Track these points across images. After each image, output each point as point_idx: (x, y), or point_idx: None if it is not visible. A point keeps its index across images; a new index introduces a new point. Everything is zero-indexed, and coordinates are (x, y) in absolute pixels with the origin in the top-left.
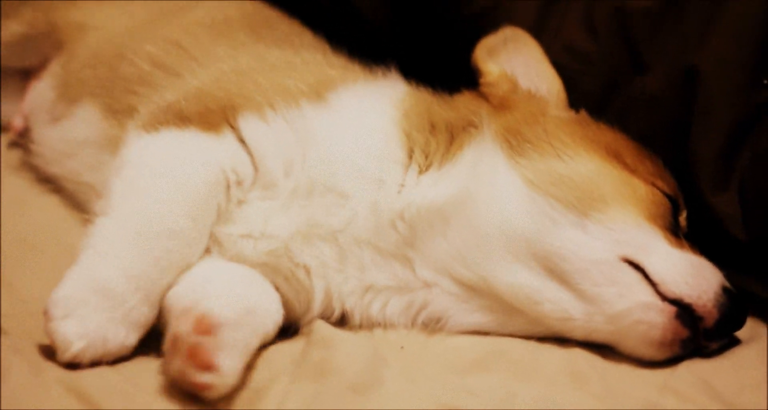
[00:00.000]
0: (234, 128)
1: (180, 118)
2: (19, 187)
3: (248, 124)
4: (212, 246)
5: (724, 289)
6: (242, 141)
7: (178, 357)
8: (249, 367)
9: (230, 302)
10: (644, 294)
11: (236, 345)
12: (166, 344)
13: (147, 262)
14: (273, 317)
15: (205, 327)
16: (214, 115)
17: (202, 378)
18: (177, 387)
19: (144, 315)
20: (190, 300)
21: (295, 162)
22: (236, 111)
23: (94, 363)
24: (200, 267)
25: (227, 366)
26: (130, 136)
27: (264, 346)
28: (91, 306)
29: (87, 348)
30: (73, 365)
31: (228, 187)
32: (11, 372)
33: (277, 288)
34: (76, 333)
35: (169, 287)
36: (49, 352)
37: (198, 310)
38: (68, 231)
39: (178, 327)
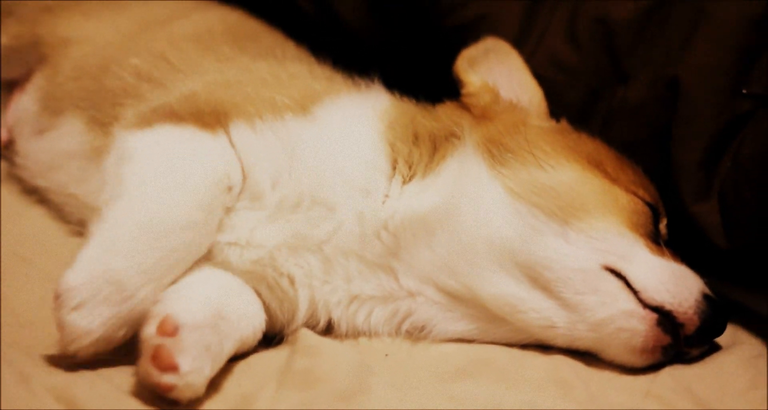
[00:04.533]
0: (226, 133)
1: (173, 116)
2: (6, 199)
3: (239, 132)
4: None
5: (705, 296)
6: (233, 146)
7: (144, 359)
8: (231, 373)
9: (197, 306)
10: (626, 302)
11: (202, 348)
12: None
13: (161, 254)
14: (252, 322)
15: (168, 329)
16: (207, 117)
17: (164, 378)
18: (148, 390)
19: (147, 311)
20: (162, 305)
21: (282, 174)
22: (228, 117)
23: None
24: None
25: (189, 367)
26: (119, 135)
27: (247, 353)
28: (102, 297)
29: (90, 345)
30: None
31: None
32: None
33: (262, 297)
34: (83, 329)
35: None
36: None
37: (163, 313)
38: (57, 242)
39: (145, 330)
